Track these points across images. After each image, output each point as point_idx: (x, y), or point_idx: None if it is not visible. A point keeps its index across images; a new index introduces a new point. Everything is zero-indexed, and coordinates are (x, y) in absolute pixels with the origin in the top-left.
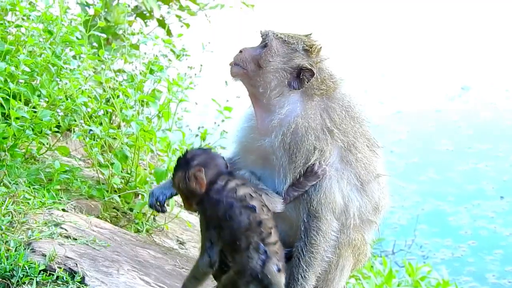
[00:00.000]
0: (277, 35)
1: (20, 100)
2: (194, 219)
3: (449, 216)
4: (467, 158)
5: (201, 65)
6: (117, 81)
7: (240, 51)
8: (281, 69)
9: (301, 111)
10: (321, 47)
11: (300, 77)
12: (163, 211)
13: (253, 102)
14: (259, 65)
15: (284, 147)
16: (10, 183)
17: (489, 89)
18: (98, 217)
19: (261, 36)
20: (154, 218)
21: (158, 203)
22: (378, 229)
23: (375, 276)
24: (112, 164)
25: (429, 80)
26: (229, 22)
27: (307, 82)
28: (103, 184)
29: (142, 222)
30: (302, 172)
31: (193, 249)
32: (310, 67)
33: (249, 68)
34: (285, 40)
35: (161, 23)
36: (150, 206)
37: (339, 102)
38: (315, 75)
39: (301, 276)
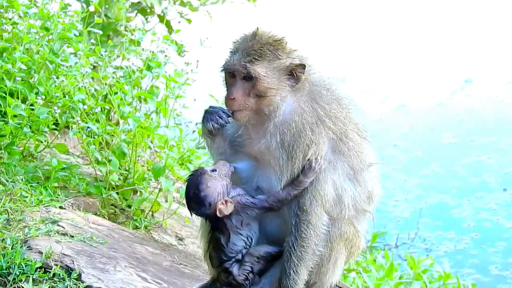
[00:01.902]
0: (251, 60)
1: (17, 97)
2: (192, 215)
3: (452, 209)
4: (470, 151)
5: (198, 61)
6: (114, 78)
7: (232, 99)
8: (279, 83)
9: (296, 107)
10: (284, 37)
11: (295, 75)
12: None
13: (250, 123)
14: (260, 96)
15: (283, 146)
16: (7, 181)
17: (491, 82)
18: (96, 214)
19: (231, 73)
20: (152, 215)
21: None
22: (373, 218)
23: (377, 269)
24: (109, 161)
25: (431, 74)
26: (231, 17)
27: (304, 75)
28: (101, 181)
29: (140, 219)
30: (300, 168)
31: (192, 245)
32: (299, 62)
33: (251, 105)
34: (260, 58)
35: (162, 19)
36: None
37: (321, 84)
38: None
39: (293, 271)
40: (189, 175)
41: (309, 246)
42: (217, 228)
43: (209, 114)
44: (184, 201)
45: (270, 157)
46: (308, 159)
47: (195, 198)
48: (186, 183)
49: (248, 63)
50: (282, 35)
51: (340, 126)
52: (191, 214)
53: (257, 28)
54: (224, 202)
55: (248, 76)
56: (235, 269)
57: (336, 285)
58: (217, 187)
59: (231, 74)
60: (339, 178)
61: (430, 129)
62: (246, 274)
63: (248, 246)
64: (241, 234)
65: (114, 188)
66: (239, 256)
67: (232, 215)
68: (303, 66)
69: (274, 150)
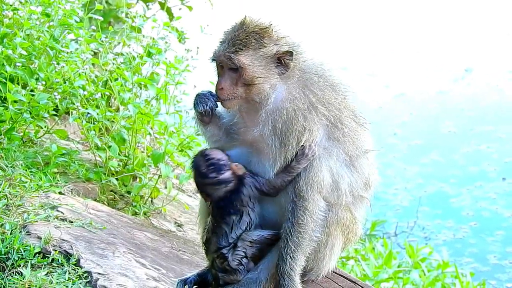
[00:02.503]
0: (235, 50)
1: (17, 83)
2: (192, 201)
3: (451, 197)
4: (469, 140)
5: (198, 48)
6: (114, 64)
7: (220, 89)
8: (266, 72)
9: (287, 94)
10: (271, 24)
11: (283, 62)
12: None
13: (243, 112)
14: (248, 85)
15: (275, 133)
16: (6, 166)
17: (492, 71)
18: (95, 200)
19: (218, 64)
20: (151, 201)
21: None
22: (370, 205)
23: (375, 257)
24: (109, 147)
25: (432, 62)
26: (232, 4)
27: (292, 62)
28: (100, 167)
29: (139, 205)
30: (294, 154)
31: (191, 231)
32: (286, 50)
33: (240, 94)
34: (245, 48)
35: (163, 6)
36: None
37: (313, 71)
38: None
39: (290, 257)
40: (192, 161)
41: (306, 232)
42: (230, 210)
43: (199, 97)
44: (183, 187)
45: (264, 144)
46: (302, 146)
47: (210, 167)
48: (194, 168)
49: (233, 54)
50: (270, 22)
51: (334, 112)
52: (211, 195)
53: (245, 16)
54: (234, 166)
55: (232, 66)
56: (230, 256)
57: (334, 271)
58: (222, 154)
59: (219, 65)
60: (335, 165)
61: (430, 117)
62: (239, 259)
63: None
64: (249, 215)
65: (113, 174)
66: (237, 241)
67: (243, 188)
68: (290, 53)
69: (267, 137)
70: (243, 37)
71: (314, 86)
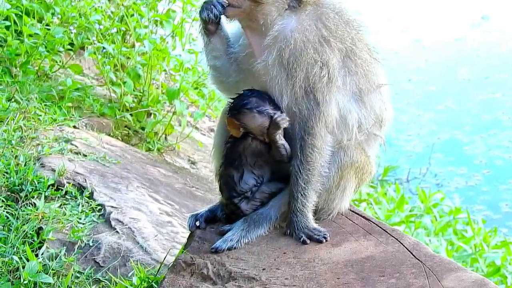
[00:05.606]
0: None
1: (33, 17)
2: (205, 139)
3: (465, 145)
4: (484, 88)
5: None
6: None
7: None
8: None
9: (297, 25)
10: None
11: None
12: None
13: (248, 31)
14: (256, 1)
15: (281, 63)
16: (21, 99)
17: (509, 18)
18: (109, 135)
19: None
20: (165, 138)
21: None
22: (384, 143)
23: (388, 202)
24: (124, 82)
25: (449, 9)
26: None
27: None
28: (115, 102)
29: (153, 141)
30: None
31: (204, 169)
32: None
33: (245, 6)
34: None
35: None
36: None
37: (330, 7)
38: None
39: (301, 194)
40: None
41: (315, 168)
42: (231, 165)
43: (205, 4)
44: (198, 125)
45: (267, 77)
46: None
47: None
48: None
49: None
50: None
51: (347, 44)
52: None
53: None
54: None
55: None
56: (243, 205)
57: (349, 209)
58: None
59: None
60: (344, 98)
61: (445, 64)
62: (255, 208)
63: (258, 185)
64: (253, 173)
65: (128, 110)
66: (249, 194)
67: (248, 154)
68: None
69: (271, 68)
70: None
71: (329, 20)
